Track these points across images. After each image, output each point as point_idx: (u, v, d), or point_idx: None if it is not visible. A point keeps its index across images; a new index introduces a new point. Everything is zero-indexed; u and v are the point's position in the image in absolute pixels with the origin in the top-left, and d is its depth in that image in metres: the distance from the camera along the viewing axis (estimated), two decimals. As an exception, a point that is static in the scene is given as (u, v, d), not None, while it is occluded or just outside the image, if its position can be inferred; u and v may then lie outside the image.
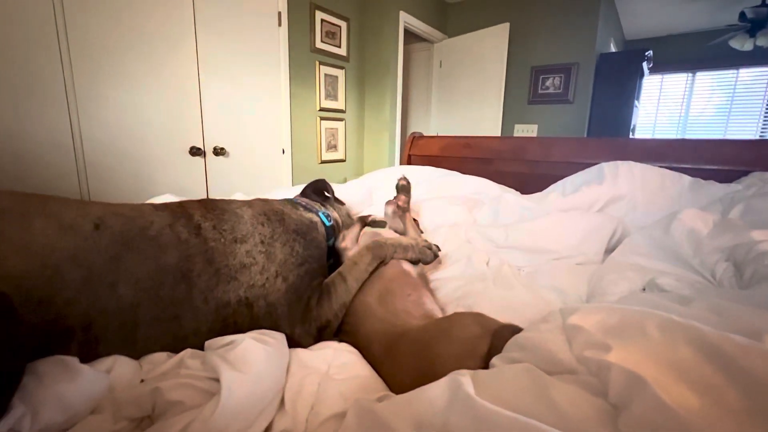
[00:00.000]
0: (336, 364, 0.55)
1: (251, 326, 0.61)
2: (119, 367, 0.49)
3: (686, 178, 1.14)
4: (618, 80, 3.62)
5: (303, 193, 0.99)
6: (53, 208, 0.52)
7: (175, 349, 0.55)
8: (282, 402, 0.47)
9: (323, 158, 3.46)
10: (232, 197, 1.23)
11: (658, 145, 1.64)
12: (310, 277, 0.69)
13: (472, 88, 3.78)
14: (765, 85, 4.41)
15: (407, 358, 0.56)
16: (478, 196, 1.22)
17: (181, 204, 0.68)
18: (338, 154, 3.62)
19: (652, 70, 4.69)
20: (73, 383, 0.42)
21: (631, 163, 1.21)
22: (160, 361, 0.52)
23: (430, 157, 2.30)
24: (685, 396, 0.31)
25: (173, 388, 0.45)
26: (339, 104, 3.51)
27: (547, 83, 3.65)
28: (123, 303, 0.51)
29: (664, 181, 1.13)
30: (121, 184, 2.28)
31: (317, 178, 1.01)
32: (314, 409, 0.48)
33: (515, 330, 0.56)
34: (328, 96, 3.38)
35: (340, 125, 3.57)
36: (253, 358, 0.46)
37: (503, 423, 0.29)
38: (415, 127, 4.03)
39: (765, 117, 4.44)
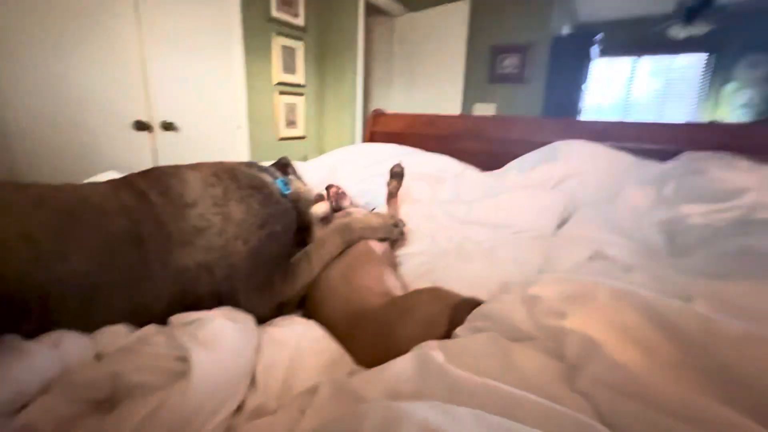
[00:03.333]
0: (307, 339, 0.55)
1: (211, 291, 0.61)
2: (68, 343, 0.46)
3: (630, 158, 1.23)
4: (570, 62, 3.76)
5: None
6: None
7: (139, 318, 0.54)
8: (253, 380, 0.47)
9: (282, 135, 3.34)
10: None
11: (605, 127, 1.74)
12: (274, 242, 0.68)
13: (434, 65, 3.78)
14: (697, 73, 4.78)
15: (369, 339, 0.57)
16: (441, 174, 1.24)
17: (123, 177, 0.67)
18: (298, 131, 3.51)
19: (601, 54, 4.92)
20: (22, 361, 0.40)
21: (583, 142, 1.28)
22: (118, 333, 0.50)
23: (393, 135, 2.29)
24: (631, 354, 0.35)
25: (135, 369, 0.43)
26: (298, 78, 3.37)
27: (506, 63, 3.71)
28: (77, 273, 0.50)
29: (611, 160, 1.21)
30: (56, 159, 2.08)
31: (280, 158, 0.99)
32: (286, 384, 0.48)
33: (475, 303, 0.59)
34: (286, 69, 3.23)
35: (299, 100, 3.44)
36: (224, 337, 0.45)
37: (473, 388, 0.31)
38: (376, 104, 3.98)
39: (697, 102, 4.84)
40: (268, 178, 0.82)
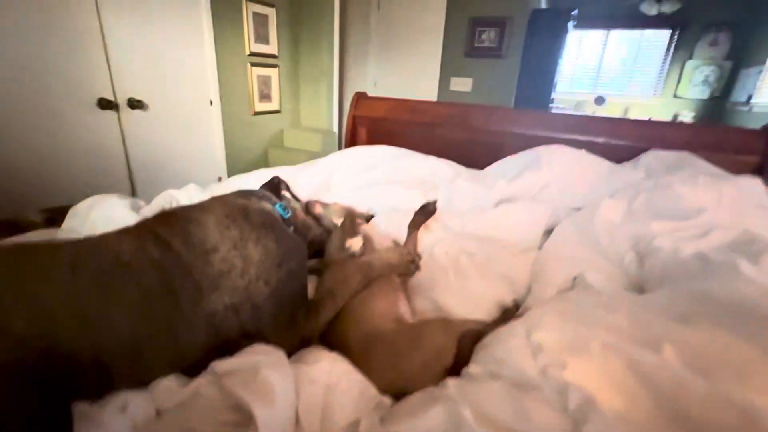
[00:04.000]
0: (335, 374, 0.62)
1: (239, 331, 0.65)
2: (133, 404, 0.51)
3: (605, 164, 1.33)
4: (547, 36, 3.79)
5: None
6: (25, 257, 0.52)
7: (178, 366, 0.59)
8: (296, 419, 0.54)
9: (257, 109, 3.22)
10: (185, 187, 1.15)
11: (581, 121, 1.85)
12: (292, 280, 0.73)
13: (412, 37, 3.69)
14: (663, 48, 4.95)
15: (382, 362, 0.65)
16: (432, 178, 1.30)
17: (141, 224, 0.68)
18: (272, 105, 3.39)
19: (576, 27, 4.95)
20: (101, 429, 0.44)
21: (564, 148, 1.37)
22: (172, 389, 0.55)
23: (374, 120, 2.28)
24: (619, 404, 0.45)
25: (199, 423, 0.48)
26: (271, 48, 3.21)
27: (483, 36, 3.68)
28: (122, 332, 0.53)
29: (588, 165, 1.31)
30: (15, 143, 1.95)
31: (271, 177, 1.01)
32: (324, 421, 0.55)
33: (478, 333, 0.68)
34: (258, 39, 3.06)
35: (273, 72, 3.30)
36: (275, 388, 0.51)
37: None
38: (352, 77, 3.87)
39: (659, 73, 5.05)
40: (268, 206, 0.85)
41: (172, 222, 0.67)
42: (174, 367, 0.58)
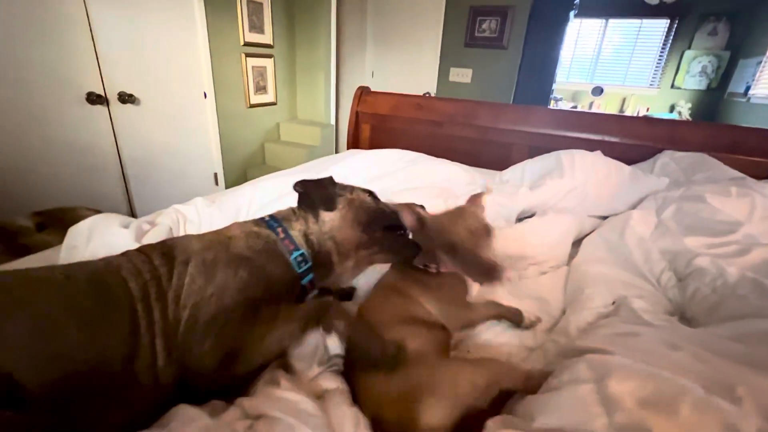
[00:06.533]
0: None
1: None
2: None
3: (626, 169, 1.29)
4: (549, 26, 3.71)
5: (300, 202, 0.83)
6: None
7: (155, 399, 0.54)
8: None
9: (252, 102, 3.10)
10: (192, 200, 1.08)
11: (595, 120, 1.80)
12: (250, 309, 0.62)
13: (410, 25, 3.57)
14: (661, 38, 4.91)
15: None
16: (451, 185, 1.24)
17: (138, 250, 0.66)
18: (268, 97, 3.27)
19: (577, 15, 4.86)
20: None
21: (584, 153, 1.32)
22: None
23: (379, 116, 2.20)
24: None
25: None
26: (266, 38, 3.07)
27: (484, 26, 3.58)
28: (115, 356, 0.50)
29: (610, 171, 1.27)
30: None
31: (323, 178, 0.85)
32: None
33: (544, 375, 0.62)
34: (252, 28, 2.93)
35: (268, 63, 3.17)
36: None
37: None
38: (349, 67, 3.75)
39: (657, 64, 5.02)
40: (280, 249, 0.71)
41: (161, 243, 0.66)
42: (155, 402, 0.53)
